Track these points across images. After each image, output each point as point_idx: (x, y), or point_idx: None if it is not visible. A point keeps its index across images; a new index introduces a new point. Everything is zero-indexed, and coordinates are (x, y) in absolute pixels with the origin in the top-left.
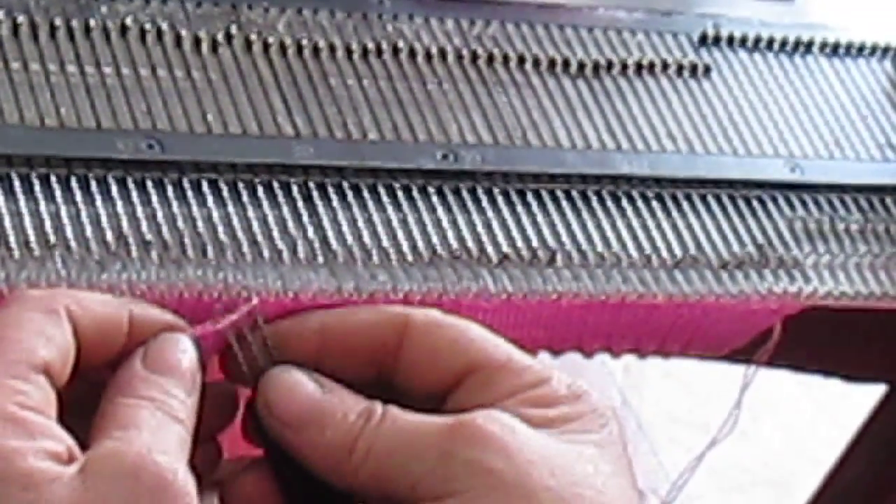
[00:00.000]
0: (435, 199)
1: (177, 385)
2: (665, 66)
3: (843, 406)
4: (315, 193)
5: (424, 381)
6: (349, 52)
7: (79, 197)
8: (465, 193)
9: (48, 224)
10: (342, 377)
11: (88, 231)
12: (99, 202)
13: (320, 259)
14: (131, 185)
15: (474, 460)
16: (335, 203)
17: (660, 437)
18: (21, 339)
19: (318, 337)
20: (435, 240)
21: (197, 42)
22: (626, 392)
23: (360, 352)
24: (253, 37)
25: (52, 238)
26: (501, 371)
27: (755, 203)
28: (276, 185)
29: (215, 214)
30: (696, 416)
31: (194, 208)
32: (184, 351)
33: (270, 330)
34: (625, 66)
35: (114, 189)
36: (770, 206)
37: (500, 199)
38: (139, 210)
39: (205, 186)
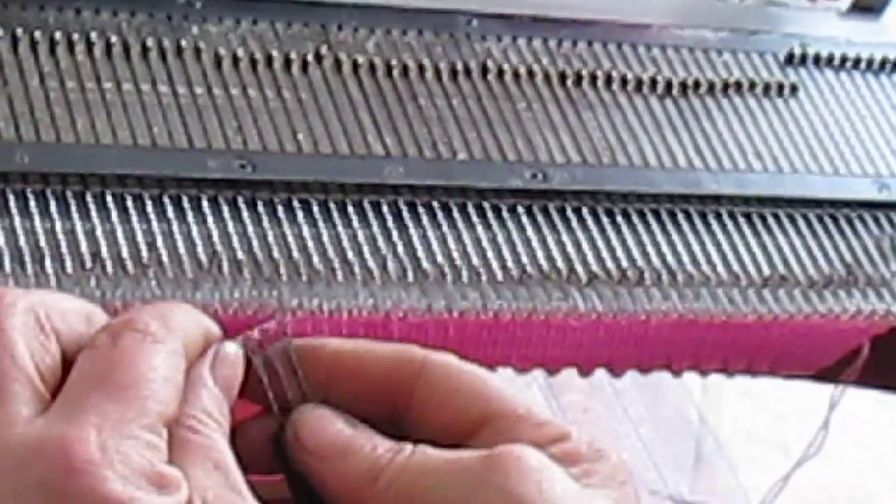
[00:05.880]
0: (524, 218)
1: (228, 403)
2: (752, 85)
3: None
4: (405, 212)
5: (440, 425)
6: (438, 72)
7: (172, 216)
8: (553, 212)
9: (142, 243)
10: (352, 410)
11: (182, 250)
12: (192, 221)
13: (411, 278)
14: (223, 205)
15: (510, 490)
16: (425, 222)
17: (738, 456)
18: (159, 389)
19: (329, 364)
20: (524, 259)
21: (287, 62)
22: (704, 410)
23: (370, 386)
24: (342, 57)
25: (146, 257)
26: (521, 422)
27: (843, 222)
28: (366, 204)
29: (306, 233)
30: (774, 435)
31: (286, 227)
32: (240, 365)
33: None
34: (712, 86)
35: (206, 208)
36: (858, 225)
37: (588, 219)
38: (231, 229)
39: (296, 206)
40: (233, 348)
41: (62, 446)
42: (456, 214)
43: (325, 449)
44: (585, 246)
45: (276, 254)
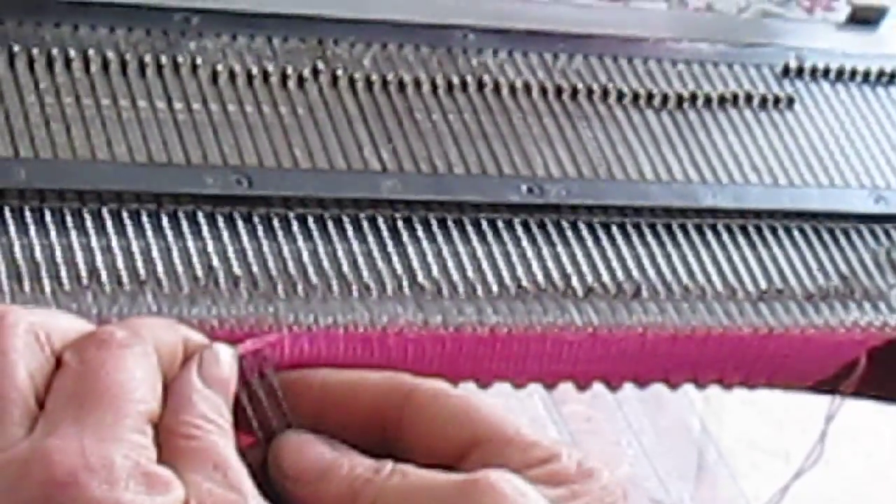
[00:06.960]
0: (520, 232)
1: (226, 402)
2: (749, 98)
3: None
4: (402, 227)
5: (429, 450)
6: (434, 86)
7: (168, 232)
8: (550, 226)
9: (139, 259)
10: (343, 439)
11: (178, 266)
12: (188, 237)
13: (407, 293)
14: (220, 221)
15: None
16: (422, 237)
17: (740, 465)
18: (133, 388)
19: (318, 394)
20: (521, 273)
21: (284, 78)
22: (706, 419)
23: (360, 415)
24: (339, 72)
25: (143, 273)
26: (510, 445)
27: (840, 234)
28: (363, 219)
29: (303, 249)
30: (776, 443)
31: (283, 243)
32: (233, 364)
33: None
34: (708, 99)
35: (203, 224)
36: (854, 237)
37: (585, 232)
38: (228, 245)
39: (293, 221)
40: (221, 349)
41: (44, 461)
42: (452, 229)
43: (306, 473)
44: (582, 260)
45: (272, 269)
